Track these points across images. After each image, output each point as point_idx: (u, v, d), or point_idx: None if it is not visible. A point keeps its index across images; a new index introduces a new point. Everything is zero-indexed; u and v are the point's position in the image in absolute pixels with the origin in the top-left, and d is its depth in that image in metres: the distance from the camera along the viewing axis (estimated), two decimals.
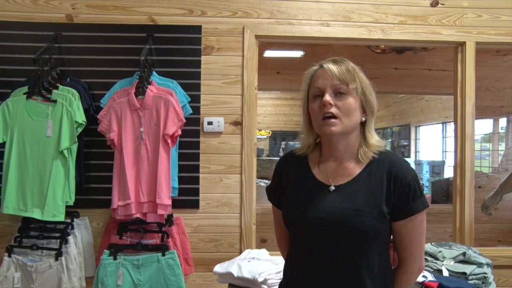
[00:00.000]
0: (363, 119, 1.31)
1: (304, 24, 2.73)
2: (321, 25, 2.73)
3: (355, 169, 1.30)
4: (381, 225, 1.24)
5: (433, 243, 2.16)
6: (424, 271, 1.82)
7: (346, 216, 1.23)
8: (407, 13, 2.76)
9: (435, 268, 1.99)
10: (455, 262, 2.00)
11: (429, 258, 2.06)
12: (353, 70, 1.29)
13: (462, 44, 2.77)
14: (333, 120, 1.25)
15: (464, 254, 2.04)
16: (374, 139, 1.31)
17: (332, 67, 1.28)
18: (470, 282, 1.87)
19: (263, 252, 2.35)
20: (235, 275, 1.99)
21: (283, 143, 10.33)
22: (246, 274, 1.96)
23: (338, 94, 1.27)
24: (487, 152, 6.79)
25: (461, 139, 2.75)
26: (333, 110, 1.25)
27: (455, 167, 2.80)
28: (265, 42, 2.92)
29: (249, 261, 2.08)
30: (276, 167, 1.45)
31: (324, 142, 1.34)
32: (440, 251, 2.06)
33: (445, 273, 1.90)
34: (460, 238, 2.70)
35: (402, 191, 1.25)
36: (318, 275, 1.27)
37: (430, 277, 1.76)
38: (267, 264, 2.07)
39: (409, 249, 1.30)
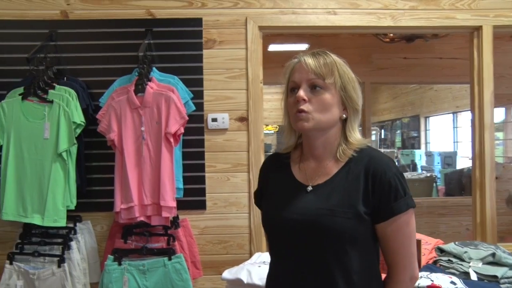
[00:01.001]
0: (344, 116, 1.21)
1: (310, 13, 2.60)
2: (327, 13, 2.60)
3: (333, 168, 1.21)
4: (358, 227, 1.13)
5: (457, 243, 2.00)
6: (452, 276, 1.68)
7: (318, 216, 1.14)
8: None
9: (461, 270, 1.83)
10: (483, 263, 1.84)
11: (453, 260, 1.90)
12: (332, 63, 1.19)
13: (478, 29, 2.62)
14: (304, 114, 1.16)
15: (493, 255, 1.88)
16: (355, 137, 1.21)
17: (308, 60, 1.19)
18: (502, 286, 1.72)
19: None
20: (245, 282, 1.87)
21: None
22: (257, 280, 1.84)
23: (314, 89, 1.18)
24: (498, 142, 6.63)
25: (480, 128, 2.61)
26: (306, 106, 1.17)
27: (473, 158, 2.66)
28: (269, 33, 2.79)
29: (259, 266, 1.96)
30: (260, 169, 1.38)
31: (304, 139, 1.27)
32: (465, 252, 1.90)
33: (473, 276, 1.74)
34: (481, 234, 2.57)
35: (381, 189, 1.13)
36: (292, 283, 1.18)
37: (460, 284, 1.60)
38: None
39: (396, 255, 1.18)
